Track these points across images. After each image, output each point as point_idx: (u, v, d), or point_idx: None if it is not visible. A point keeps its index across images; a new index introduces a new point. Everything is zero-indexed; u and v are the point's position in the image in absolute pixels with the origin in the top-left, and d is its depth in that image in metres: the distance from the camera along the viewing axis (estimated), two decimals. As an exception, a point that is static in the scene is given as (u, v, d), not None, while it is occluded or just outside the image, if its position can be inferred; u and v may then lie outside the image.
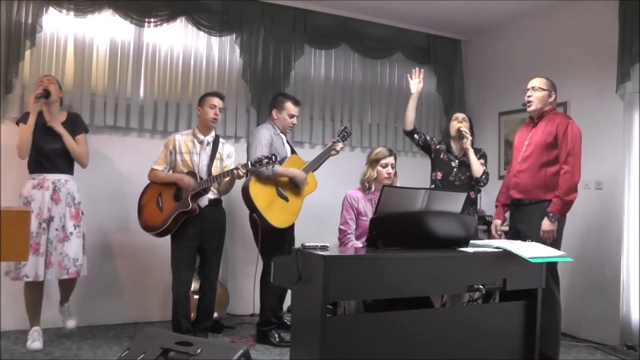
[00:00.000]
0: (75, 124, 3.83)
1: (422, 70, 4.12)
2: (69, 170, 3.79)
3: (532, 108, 3.57)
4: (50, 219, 3.63)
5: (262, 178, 3.79)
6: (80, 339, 3.87)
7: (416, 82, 4.05)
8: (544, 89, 3.55)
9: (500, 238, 3.71)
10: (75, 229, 3.70)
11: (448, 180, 3.92)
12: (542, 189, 3.47)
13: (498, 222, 3.78)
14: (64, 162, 3.75)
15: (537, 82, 3.58)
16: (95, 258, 4.32)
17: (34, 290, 3.69)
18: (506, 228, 3.90)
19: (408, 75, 4.11)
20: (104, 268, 4.37)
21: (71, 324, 3.82)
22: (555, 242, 3.39)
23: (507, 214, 3.83)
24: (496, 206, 3.82)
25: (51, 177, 3.68)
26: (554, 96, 3.57)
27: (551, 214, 3.37)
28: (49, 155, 3.68)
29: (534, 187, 3.50)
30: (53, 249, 3.62)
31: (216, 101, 3.85)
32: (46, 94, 3.65)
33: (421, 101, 5.62)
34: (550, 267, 3.37)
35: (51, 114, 3.74)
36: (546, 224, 3.38)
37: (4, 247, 1.71)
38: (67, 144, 3.71)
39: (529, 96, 3.58)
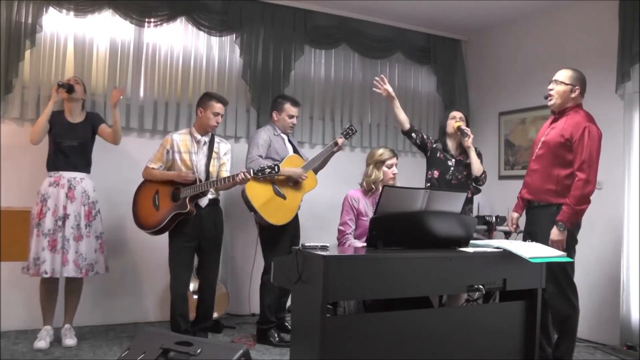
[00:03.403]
0: (95, 120, 3.91)
1: (383, 76, 3.99)
2: (86, 169, 3.82)
3: (552, 102, 3.35)
4: (65, 217, 3.66)
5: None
6: (80, 339, 3.86)
7: (384, 88, 3.92)
8: (566, 83, 3.31)
9: (515, 231, 3.60)
10: (86, 228, 3.73)
11: (445, 179, 3.91)
12: (551, 192, 3.30)
13: (515, 215, 3.55)
14: (80, 160, 3.79)
15: (561, 74, 3.35)
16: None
17: (50, 288, 3.74)
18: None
19: (374, 89, 4.00)
20: (104, 268, 4.37)
21: (70, 342, 3.76)
22: (568, 249, 3.22)
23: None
24: (518, 198, 3.59)
25: (67, 175, 3.72)
26: (577, 91, 3.31)
27: (560, 223, 3.17)
28: (65, 152, 3.73)
29: (543, 189, 3.34)
30: (69, 247, 3.65)
31: (219, 108, 3.83)
32: (69, 88, 3.73)
33: (421, 101, 5.65)
34: (564, 272, 3.25)
35: (71, 112, 3.81)
36: (555, 234, 3.18)
37: (4, 247, 1.71)
38: (117, 124, 3.85)
39: (550, 89, 3.36)
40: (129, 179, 4.13)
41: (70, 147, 3.74)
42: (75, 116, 3.83)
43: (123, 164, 4.37)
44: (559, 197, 3.27)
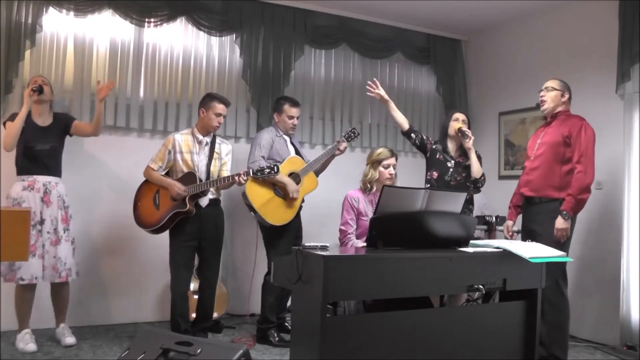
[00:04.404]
0: (65, 120, 3.84)
1: (375, 79, 4.02)
2: (58, 173, 3.76)
3: (545, 107, 3.61)
4: (41, 222, 3.61)
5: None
6: (80, 339, 3.87)
7: (376, 92, 3.95)
8: (556, 89, 3.59)
9: (513, 239, 3.72)
10: (64, 232, 3.69)
11: (444, 180, 3.91)
12: (554, 188, 3.49)
13: (510, 223, 3.78)
14: (53, 163, 3.73)
15: (550, 82, 3.63)
16: (95, 258, 4.33)
17: (27, 293, 3.66)
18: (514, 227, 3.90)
19: (367, 93, 4.01)
20: (104, 268, 4.37)
21: (70, 340, 3.75)
22: (567, 240, 3.43)
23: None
24: (509, 207, 3.82)
25: (41, 179, 3.65)
26: (567, 96, 3.60)
27: (564, 212, 3.39)
28: (37, 156, 3.65)
29: (545, 185, 3.52)
30: (45, 252, 3.60)
31: (222, 109, 3.82)
32: (40, 89, 3.64)
33: (421, 101, 5.65)
34: (560, 268, 3.43)
35: (40, 114, 3.73)
36: (560, 222, 3.39)
37: (4, 247, 1.71)
38: (100, 117, 3.79)
39: (542, 96, 3.63)
40: (130, 178, 4.14)
41: (42, 151, 3.65)
42: (45, 118, 3.74)
43: (125, 164, 4.37)
44: (561, 192, 3.47)
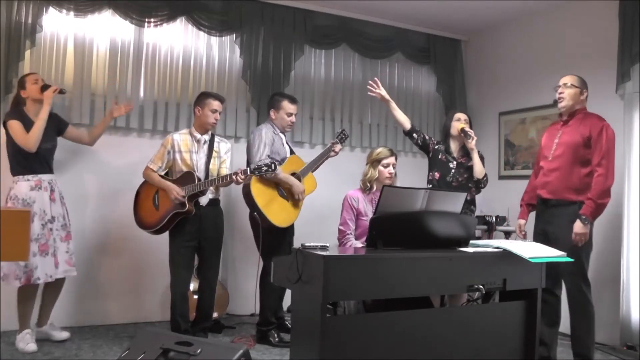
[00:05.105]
0: (58, 119, 3.85)
1: (376, 79, 4.01)
2: (53, 170, 3.78)
3: (564, 104, 3.46)
4: (52, 220, 3.64)
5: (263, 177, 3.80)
6: (80, 339, 3.87)
7: (377, 92, 3.94)
8: (576, 86, 3.45)
9: (524, 238, 3.66)
10: (69, 227, 3.76)
11: (445, 181, 3.91)
12: (572, 190, 3.38)
13: (522, 221, 3.70)
14: (52, 161, 3.77)
15: (569, 79, 3.48)
16: (95, 258, 4.33)
17: (31, 294, 3.66)
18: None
19: (369, 92, 3.99)
20: (104, 268, 4.37)
21: (65, 334, 3.78)
22: (586, 244, 3.36)
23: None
24: (521, 205, 3.74)
25: (46, 178, 3.67)
26: (585, 94, 3.48)
27: (584, 217, 3.28)
28: (43, 154, 3.66)
29: (564, 187, 3.41)
30: (57, 248, 3.63)
31: (217, 105, 3.84)
32: (47, 87, 3.66)
33: (421, 101, 5.66)
34: (581, 271, 3.38)
35: (37, 114, 3.68)
36: (578, 227, 3.29)
37: (4, 247, 1.71)
38: (103, 130, 3.99)
39: (560, 92, 3.48)
40: (130, 178, 4.15)
41: (46, 149, 3.67)
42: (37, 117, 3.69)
43: (125, 164, 4.37)
44: (579, 195, 3.37)
